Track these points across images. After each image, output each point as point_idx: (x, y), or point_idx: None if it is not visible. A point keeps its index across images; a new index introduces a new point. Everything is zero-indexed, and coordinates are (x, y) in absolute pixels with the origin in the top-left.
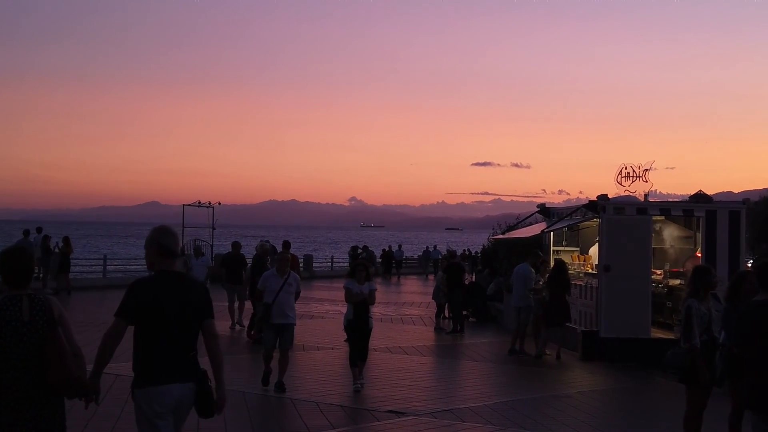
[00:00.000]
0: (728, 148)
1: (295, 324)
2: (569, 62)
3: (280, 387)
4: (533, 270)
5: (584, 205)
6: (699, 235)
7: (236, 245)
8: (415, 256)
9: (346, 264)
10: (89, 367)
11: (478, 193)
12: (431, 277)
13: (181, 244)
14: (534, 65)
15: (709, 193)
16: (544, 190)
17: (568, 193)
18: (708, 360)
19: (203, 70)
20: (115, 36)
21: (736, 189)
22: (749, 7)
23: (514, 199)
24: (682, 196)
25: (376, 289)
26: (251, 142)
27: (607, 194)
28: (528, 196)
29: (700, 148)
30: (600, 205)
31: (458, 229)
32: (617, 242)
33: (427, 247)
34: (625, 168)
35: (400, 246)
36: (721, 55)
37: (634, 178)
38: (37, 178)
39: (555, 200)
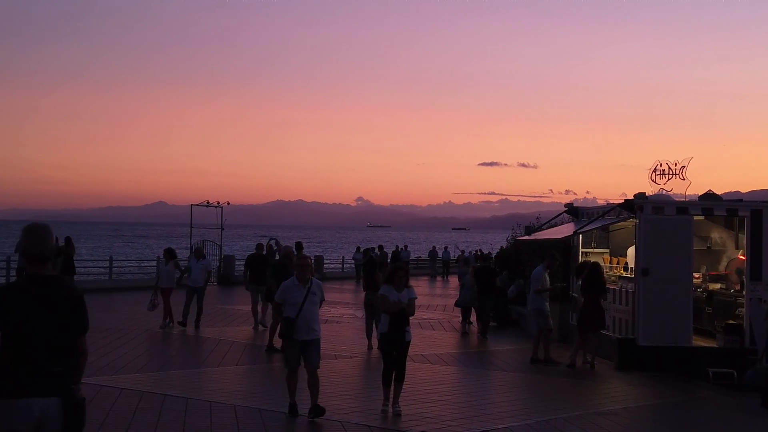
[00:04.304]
0: (734, 147)
1: (320, 337)
2: (576, 62)
3: (316, 410)
4: (544, 272)
5: (619, 205)
6: (741, 236)
7: (260, 247)
8: (424, 257)
9: (355, 266)
10: None
11: (485, 193)
12: (439, 278)
13: (52, 244)
14: (541, 65)
15: (717, 194)
16: (551, 190)
17: (575, 193)
18: None
19: (208, 70)
20: (118, 35)
21: (744, 189)
22: (756, 5)
23: (521, 199)
24: (691, 196)
25: (416, 298)
26: (257, 142)
27: (644, 192)
28: (535, 196)
29: (706, 148)
30: (637, 205)
31: (465, 229)
32: (656, 244)
33: (434, 247)
34: (660, 165)
35: (405, 246)
36: (725, 55)
37: (670, 176)
38: (43, 178)
39: (562, 200)
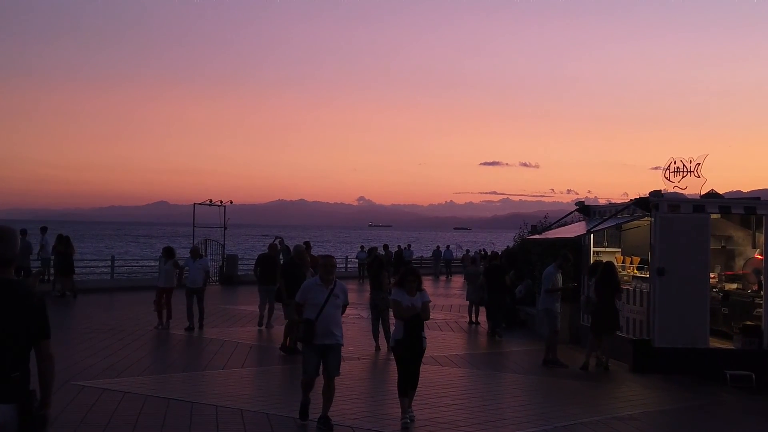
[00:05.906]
0: (737, 147)
1: (342, 344)
2: (579, 61)
3: (326, 423)
4: (555, 271)
5: (634, 203)
6: (758, 235)
7: (272, 247)
8: (426, 256)
9: (358, 265)
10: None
11: (486, 193)
12: (444, 278)
13: (16, 248)
14: (543, 64)
15: (719, 193)
16: (553, 190)
17: (577, 193)
18: None
19: (210, 70)
20: (118, 34)
21: (746, 188)
22: (758, 5)
23: (523, 198)
24: (693, 195)
25: (430, 301)
26: (259, 142)
27: (660, 190)
28: (537, 196)
29: (708, 147)
30: (652, 203)
31: (466, 229)
32: (672, 243)
33: (438, 247)
34: (675, 162)
35: (408, 245)
36: (727, 54)
37: (685, 173)
38: (44, 178)
39: (564, 199)
